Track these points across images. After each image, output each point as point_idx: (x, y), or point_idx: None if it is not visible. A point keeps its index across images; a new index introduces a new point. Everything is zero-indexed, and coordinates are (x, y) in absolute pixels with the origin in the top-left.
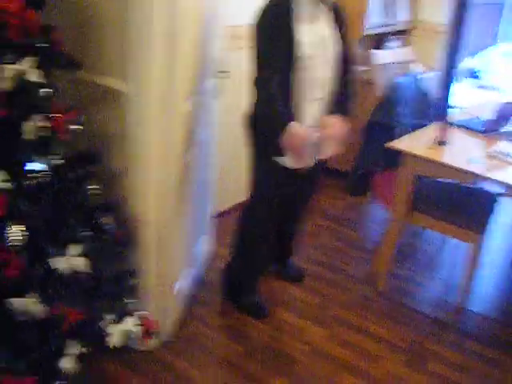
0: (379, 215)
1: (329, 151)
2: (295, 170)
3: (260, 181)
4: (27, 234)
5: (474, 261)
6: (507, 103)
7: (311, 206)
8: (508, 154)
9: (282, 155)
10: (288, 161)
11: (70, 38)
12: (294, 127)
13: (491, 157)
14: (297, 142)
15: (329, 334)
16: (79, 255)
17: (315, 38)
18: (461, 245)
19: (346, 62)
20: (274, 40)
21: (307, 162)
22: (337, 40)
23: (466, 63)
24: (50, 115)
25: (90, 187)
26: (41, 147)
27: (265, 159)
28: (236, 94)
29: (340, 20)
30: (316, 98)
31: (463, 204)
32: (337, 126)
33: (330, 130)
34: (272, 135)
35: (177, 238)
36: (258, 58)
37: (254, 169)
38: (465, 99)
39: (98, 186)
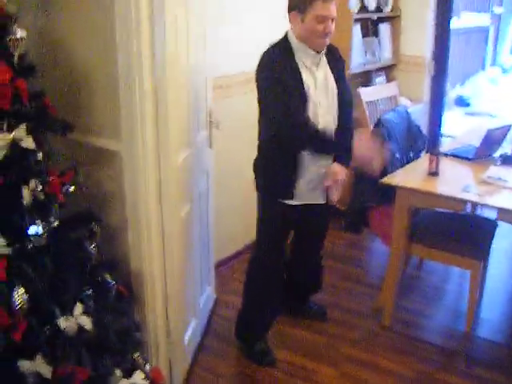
0: (380, 250)
1: (335, 195)
2: (302, 207)
3: (268, 224)
4: (30, 296)
5: (476, 287)
6: (494, 129)
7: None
8: (500, 178)
9: (291, 197)
10: (297, 199)
11: (62, 102)
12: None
13: (484, 183)
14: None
15: (339, 373)
16: (84, 314)
17: (318, 87)
18: (464, 273)
19: (346, 103)
20: (283, 84)
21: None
22: (335, 86)
23: (455, 91)
24: (46, 179)
25: (89, 246)
26: (39, 210)
27: (274, 202)
28: (228, 143)
29: (337, 61)
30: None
31: (461, 232)
32: (341, 173)
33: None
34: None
35: (179, 289)
36: (269, 104)
37: (262, 213)
38: (456, 127)
39: (97, 245)
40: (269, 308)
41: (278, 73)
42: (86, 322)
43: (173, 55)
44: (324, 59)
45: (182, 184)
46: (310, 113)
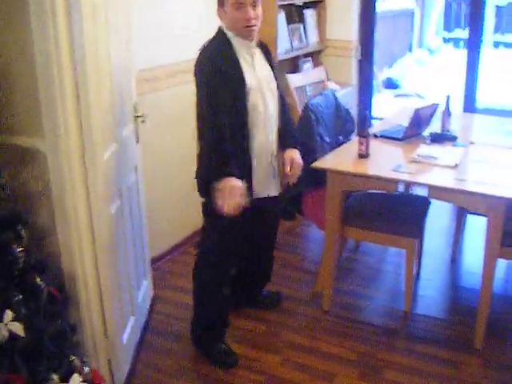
0: (316, 235)
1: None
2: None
3: (214, 226)
4: None
5: (411, 265)
6: (422, 108)
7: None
8: (429, 156)
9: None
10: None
11: None
12: (230, 181)
13: (414, 162)
14: (229, 194)
15: (281, 359)
16: (14, 320)
17: (258, 76)
18: (401, 252)
19: (280, 94)
20: (220, 83)
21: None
22: (273, 76)
23: (384, 74)
24: None
25: (16, 249)
26: None
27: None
28: (156, 137)
29: (268, 54)
30: (268, 133)
31: (394, 212)
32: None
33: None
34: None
35: (114, 287)
36: (206, 101)
37: (207, 214)
38: (386, 109)
39: (24, 248)
40: (223, 307)
41: (219, 65)
42: (18, 329)
43: (93, 49)
44: (259, 50)
45: (110, 180)
46: (255, 101)
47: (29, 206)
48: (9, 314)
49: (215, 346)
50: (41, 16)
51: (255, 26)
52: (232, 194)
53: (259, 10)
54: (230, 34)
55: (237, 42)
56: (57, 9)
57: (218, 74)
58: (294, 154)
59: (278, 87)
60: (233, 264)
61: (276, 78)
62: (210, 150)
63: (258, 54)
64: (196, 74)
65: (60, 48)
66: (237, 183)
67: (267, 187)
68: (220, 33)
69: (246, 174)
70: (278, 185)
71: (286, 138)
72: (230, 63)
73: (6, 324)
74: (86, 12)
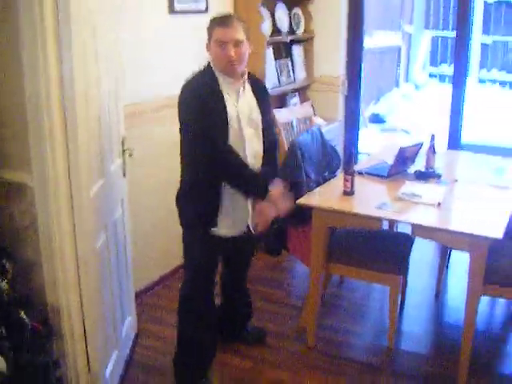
0: (301, 271)
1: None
2: (229, 237)
3: (194, 254)
4: None
5: (395, 302)
6: (406, 147)
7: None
8: (413, 194)
9: (215, 226)
10: (222, 230)
11: None
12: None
13: (399, 199)
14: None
15: None
16: None
17: (242, 114)
18: (385, 288)
19: (269, 142)
20: (204, 119)
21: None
22: (260, 115)
23: (370, 109)
24: None
25: (1, 283)
26: None
27: (199, 231)
28: (142, 171)
29: (262, 90)
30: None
31: (379, 248)
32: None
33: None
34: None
35: (98, 321)
36: (191, 135)
37: (187, 244)
38: (372, 144)
39: (8, 281)
40: (206, 344)
41: (202, 100)
42: (0, 362)
43: (83, 84)
44: (248, 88)
45: (96, 214)
46: (232, 141)
47: (15, 240)
48: None
49: (197, 383)
50: (32, 51)
51: (236, 65)
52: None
53: (243, 48)
54: (216, 71)
55: (221, 78)
56: (48, 44)
57: (201, 109)
58: (266, 207)
59: (267, 130)
60: (210, 299)
61: (266, 116)
62: (189, 182)
63: (247, 91)
64: (179, 105)
65: (50, 83)
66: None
67: (240, 225)
68: (208, 66)
69: (216, 206)
70: (246, 223)
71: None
72: (214, 98)
73: None
74: (77, 48)
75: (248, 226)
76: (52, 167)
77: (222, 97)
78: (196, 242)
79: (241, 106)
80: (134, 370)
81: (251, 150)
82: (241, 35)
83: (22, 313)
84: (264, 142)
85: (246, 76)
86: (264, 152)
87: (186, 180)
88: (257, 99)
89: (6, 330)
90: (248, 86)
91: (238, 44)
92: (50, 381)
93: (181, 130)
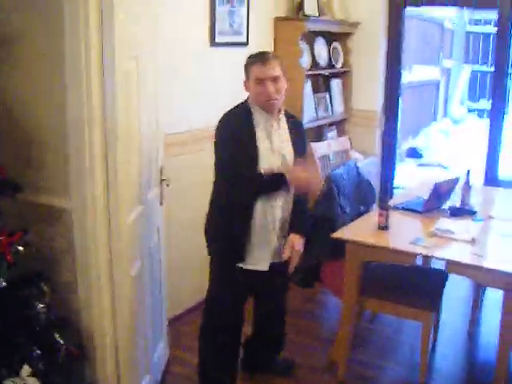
0: (334, 303)
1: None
2: (256, 271)
3: (221, 287)
4: None
5: (427, 338)
6: (441, 182)
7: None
8: (448, 230)
9: (242, 260)
10: (249, 264)
11: (12, 160)
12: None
13: (433, 235)
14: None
15: None
16: (31, 375)
17: (273, 151)
18: (418, 324)
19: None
20: (235, 151)
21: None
22: (293, 153)
23: (407, 143)
24: None
25: (38, 305)
26: None
27: (226, 265)
28: (180, 200)
29: (298, 132)
30: (275, 207)
31: (412, 284)
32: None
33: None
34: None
35: (131, 347)
36: (223, 170)
37: (215, 277)
38: (408, 179)
39: (46, 304)
40: (226, 367)
41: (234, 132)
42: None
43: (124, 111)
44: (283, 125)
45: (133, 241)
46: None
47: (53, 264)
48: (26, 369)
49: None
50: (75, 78)
51: (276, 100)
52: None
53: (281, 84)
54: (252, 105)
55: (257, 113)
56: (91, 70)
57: (232, 141)
58: (297, 241)
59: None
60: (235, 324)
61: (299, 154)
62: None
63: (282, 128)
64: (215, 139)
65: (92, 108)
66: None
67: (266, 260)
68: (244, 101)
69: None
70: (279, 253)
71: (294, 221)
72: (246, 132)
73: (23, 379)
74: (119, 75)
75: (279, 256)
76: (91, 193)
77: (255, 134)
78: (223, 273)
79: (274, 141)
80: None
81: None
82: (278, 71)
83: (58, 335)
84: None
85: (282, 111)
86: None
87: (215, 214)
88: (292, 137)
89: (41, 352)
90: (284, 123)
91: (275, 80)
92: None
93: (215, 163)
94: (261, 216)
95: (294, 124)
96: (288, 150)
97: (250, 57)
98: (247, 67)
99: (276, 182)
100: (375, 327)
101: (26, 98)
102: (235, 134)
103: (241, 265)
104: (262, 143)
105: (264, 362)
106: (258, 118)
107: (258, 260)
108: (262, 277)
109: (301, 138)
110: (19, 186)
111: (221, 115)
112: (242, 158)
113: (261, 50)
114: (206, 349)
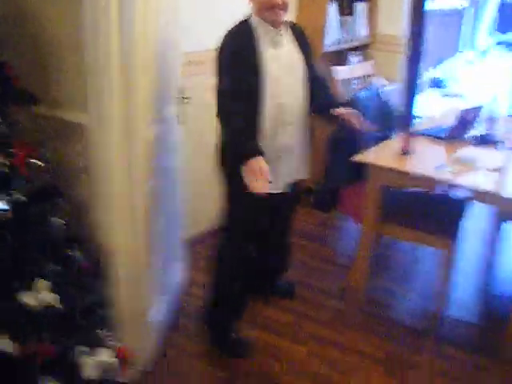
0: (351, 229)
1: (303, 174)
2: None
3: (234, 211)
4: None
5: (447, 267)
6: (468, 109)
7: (291, 224)
8: (472, 159)
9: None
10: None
11: (27, 73)
12: (256, 161)
13: (456, 163)
14: (256, 175)
15: (307, 351)
16: (47, 290)
17: (280, 63)
18: (436, 252)
19: (316, 81)
20: (237, 70)
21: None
22: (302, 63)
23: (430, 73)
24: (10, 151)
25: (54, 221)
26: (1, 184)
27: (237, 187)
28: (198, 120)
29: (304, 42)
30: (287, 123)
31: (432, 211)
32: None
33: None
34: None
35: (147, 266)
36: (221, 89)
37: (227, 200)
38: (429, 109)
39: (62, 220)
40: (241, 297)
41: (237, 52)
42: (50, 298)
43: (142, 25)
44: (289, 37)
45: (150, 158)
46: (270, 90)
47: (69, 181)
48: (41, 283)
49: (228, 335)
50: None
51: (282, 10)
52: (261, 173)
53: None
54: (255, 21)
55: (261, 28)
56: None
57: (236, 60)
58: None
59: (312, 70)
60: (254, 244)
61: (309, 62)
62: (232, 133)
63: (287, 41)
64: (216, 60)
65: (109, 20)
66: (264, 163)
67: (284, 180)
68: (245, 18)
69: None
70: (300, 171)
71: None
72: (249, 50)
73: (39, 293)
74: None
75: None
76: (108, 108)
77: (258, 46)
78: (235, 196)
79: (280, 54)
80: (180, 317)
81: (290, 99)
82: None
83: (75, 251)
84: (313, 90)
85: (286, 24)
86: (313, 99)
87: (221, 135)
88: (298, 45)
89: (57, 267)
90: (289, 35)
91: None
92: (96, 320)
93: (216, 80)
94: (271, 140)
95: (297, 31)
96: (296, 58)
97: None
98: None
99: (242, 149)
100: (392, 254)
101: (41, 8)
102: (236, 51)
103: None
104: (268, 60)
105: (266, 285)
106: (262, 32)
107: (275, 180)
108: (276, 198)
109: (307, 44)
110: (36, 98)
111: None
112: (242, 77)
113: None
114: (221, 273)
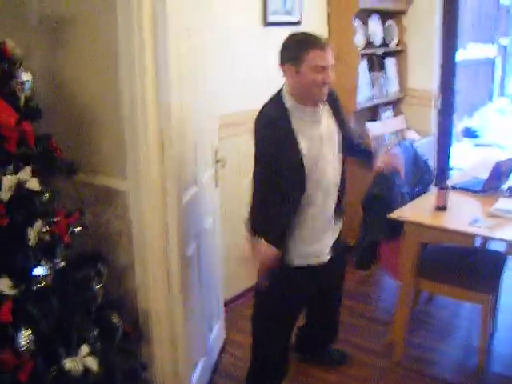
0: (390, 286)
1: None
2: (311, 266)
3: (273, 289)
4: (35, 338)
5: (487, 321)
6: (502, 161)
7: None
8: (508, 211)
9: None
10: (296, 259)
11: (68, 142)
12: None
13: (492, 216)
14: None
15: None
16: (89, 355)
17: (322, 144)
18: (475, 307)
19: (350, 141)
20: (277, 164)
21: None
22: (338, 134)
23: (463, 123)
24: (52, 220)
25: (95, 286)
26: (44, 251)
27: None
28: (235, 181)
29: (337, 108)
30: (330, 195)
31: (470, 266)
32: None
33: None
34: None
35: (187, 328)
36: (259, 174)
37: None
38: (465, 159)
39: (103, 285)
40: (279, 358)
41: (275, 144)
42: (92, 363)
43: (177, 89)
44: (325, 110)
45: (188, 222)
46: (318, 169)
47: (110, 245)
48: (84, 349)
49: None
50: (129, 65)
51: (327, 88)
52: (263, 260)
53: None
54: (290, 101)
55: (299, 113)
56: (145, 59)
57: (273, 144)
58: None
59: (348, 136)
60: (291, 316)
61: (344, 128)
62: (258, 209)
63: (323, 114)
64: (254, 135)
65: (146, 89)
66: (271, 251)
67: (320, 253)
68: (278, 99)
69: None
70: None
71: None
72: (284, 138)
73: (82, 358)
74: (171, 58)
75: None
76: (146, 174)
77: (294, 132)
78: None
79: (320, 134)
80: (219, 377)
81: (330, 175)
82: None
83: (115, 316)
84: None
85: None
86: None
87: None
88: (333, 113)
89: (99, 332)
90: (325, 108)
91: (332, 68)
92: (136, 383)
93: (255, 159)
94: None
95: (330, 97)
96: (334, 131)
97: (305, 40)
98: (300, 51)
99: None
100: (432, 310)
101: (81, 80)
102: (275, 138)
103: (288, 260)
104: (306, 144)
105: (316, 351)
106: (299, 115)
107: (309, 254)
108: (316, 272)
109: (340, 108)
110: (76, 167)
111: (269, 95)
112: (283, 163)
113: (307, 31)
114: (257, 333)
